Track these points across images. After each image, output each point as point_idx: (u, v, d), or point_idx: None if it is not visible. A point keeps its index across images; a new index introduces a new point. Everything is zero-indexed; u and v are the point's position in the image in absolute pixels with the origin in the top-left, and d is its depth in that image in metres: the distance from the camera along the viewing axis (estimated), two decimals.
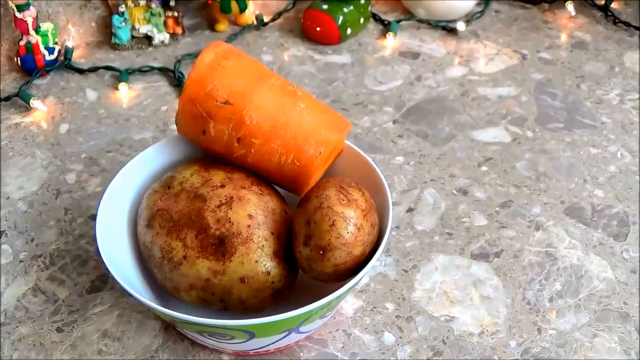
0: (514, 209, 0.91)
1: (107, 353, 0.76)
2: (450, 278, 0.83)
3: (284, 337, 0.70)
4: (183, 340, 0.77)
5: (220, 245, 0.69)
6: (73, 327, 0.78)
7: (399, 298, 0.81)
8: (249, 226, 0.70)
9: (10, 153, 1.00)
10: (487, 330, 0.78)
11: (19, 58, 1.12)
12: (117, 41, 1.19)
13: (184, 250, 0.70)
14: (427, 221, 0.90)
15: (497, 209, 0.91)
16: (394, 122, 1.05)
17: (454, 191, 0.93)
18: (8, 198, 0.93)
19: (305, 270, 0.69)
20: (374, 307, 0.80)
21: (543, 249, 0.86)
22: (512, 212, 0.91)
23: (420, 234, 0.88)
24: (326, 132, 0.74)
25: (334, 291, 0.74)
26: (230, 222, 0.69)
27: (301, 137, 0.73)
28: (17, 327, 0.78)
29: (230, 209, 0.70)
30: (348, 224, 0.66)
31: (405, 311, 0.80)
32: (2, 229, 0.89)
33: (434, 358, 0.75)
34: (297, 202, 0.75)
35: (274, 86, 0.74)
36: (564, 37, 1.23)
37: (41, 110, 1.07)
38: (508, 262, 0.85)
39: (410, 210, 0.91)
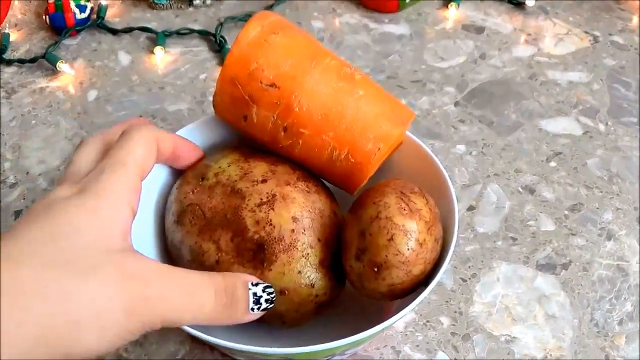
0: (584, 213, 0.82)
1: None
2: (513, 291, 0.74)
3: (326, 359, 0.61)
4: (212, 350, 0.68)
5: (259, 252, 0.60)
6: None
7: (455, 312, 0.72)
8: (292, 231, 0.60)
9: (33, 121, 0.92)
10: (550, 355, 0.69)
11: (47, 16, 1.04)
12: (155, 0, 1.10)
13: (217, 254, 0.60)
14: (490, 222, 0.80)
15: (566, 212, 0.81)
16: (456, 104, 0.95)
17: (520, 189, 0.84)
18: (27, 173, 0.85)
19: (356, 286, 0.60)
20: (428, 321, 0.71)
21: (614, 262, 0.77)
22: (582, 217, 0.81)
23: (482, 237, 0.78)
24: (387, 125, 0.64)
25: (383, 305, 0.66)
26: (271, 224, 0.60)
27: (358, 130, 0.63)
28: None
29: (272, 209, 0.61)
30: (409, 239, 0.56)
31: (462, 328, 0.71)
32: (19, 209, 0.81)
33: None
34: (347, 198, 0.66)
35: (328, 68, 0.64)
36: (635, 20, 1.11)
37: (69, 74, 0.99)
38: (576, 276, 0.75)
39: (471, 208, 0.81)
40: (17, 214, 0.80)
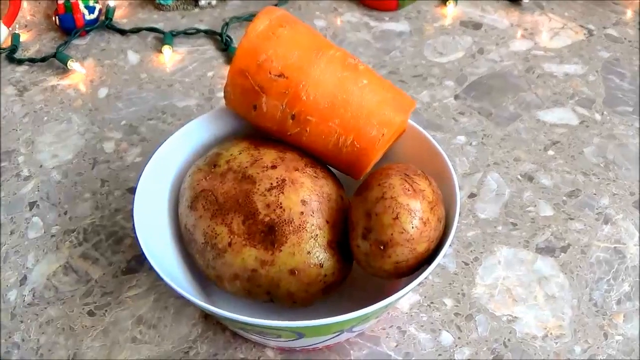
0: (582, 199, 0.84)
1: (142, 341, 0.70)
2: (513, 273, 0.76)
3: (335, 336, 0.64)
4: (224, 331, 0.71)
5: (270, 233, 0.62)
6: (106, 310, 0.73)
7: (458, 293, 0.74)
8: (301, 213, 0.63)
9: (45, 118, 0.95)
10: (551, 334, 0.71)
11: (57, 17, 1.07)
12: (161, 1, 1.13)
13: (230, 237, 0.63)
14: (490, 209, 0.83)
15: (564, 198, 0.84)
16: (456, 97, 0.97)
17: (519, 176, 0.86)
18: (41, 166, 0.88)
19: (362, 265, 0.63)
20: (432, 303, 0.74)
21: (611, 244, 0.79)
22: (580, 202, 0.84)
23: (483, 222, 0.81)
24: (390, 112, 0.67)
25: (389, 285, 0.68)
26: (281, 207, 0.63)
27: (362, 117, 0.66)
28: (45, 308, 0.73)
29: (282, 193, 0.64)
30: (413, 217, 0.59)
31: (465, 308, 0.73)
32: (33, 200, 0.84)
33: None
34: (353, 185, 0.69)
35: (333, 59, 0.67)
36: (629, 14, 1.14)
37: (79, 72, 1.02)
38: (575, 258, 0.78)
39: (472, 195, 0.84)
40: (32, 205, 0.83)
